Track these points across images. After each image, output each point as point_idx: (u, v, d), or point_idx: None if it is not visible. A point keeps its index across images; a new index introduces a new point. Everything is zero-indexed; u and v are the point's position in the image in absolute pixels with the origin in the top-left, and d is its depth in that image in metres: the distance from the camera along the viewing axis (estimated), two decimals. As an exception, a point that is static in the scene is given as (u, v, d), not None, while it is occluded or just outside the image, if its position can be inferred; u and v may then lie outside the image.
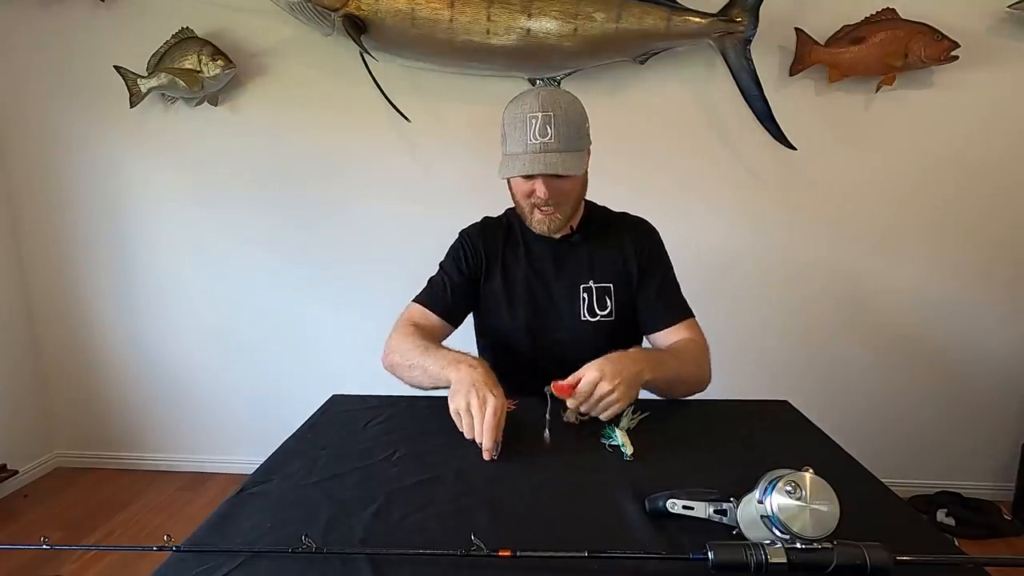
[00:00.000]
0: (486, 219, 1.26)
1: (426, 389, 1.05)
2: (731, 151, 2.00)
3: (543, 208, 1.07)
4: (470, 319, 1.26)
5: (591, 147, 1.11)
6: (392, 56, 1.97)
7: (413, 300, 1.18)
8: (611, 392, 0.89)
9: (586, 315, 1.13)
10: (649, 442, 0.87)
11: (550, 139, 1.00)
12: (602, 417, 0.91)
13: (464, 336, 1.29)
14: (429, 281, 1.21)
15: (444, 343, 1.11)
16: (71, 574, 1.76)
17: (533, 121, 1.01)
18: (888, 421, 2.11)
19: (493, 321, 1.21)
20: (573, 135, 1.03)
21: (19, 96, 2.19)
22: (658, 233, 1.22)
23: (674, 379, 1.04)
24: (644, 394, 1.25)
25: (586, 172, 1.10)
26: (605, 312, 1.14)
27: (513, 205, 1.23)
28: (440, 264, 1.22)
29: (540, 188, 1.04)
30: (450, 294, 1.17)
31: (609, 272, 1.15)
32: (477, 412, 0.85)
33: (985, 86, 1.87)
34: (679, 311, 1.15)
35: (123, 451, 2.45)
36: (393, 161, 2.10)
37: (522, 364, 1.18)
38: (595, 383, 0.89)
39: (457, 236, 1.24)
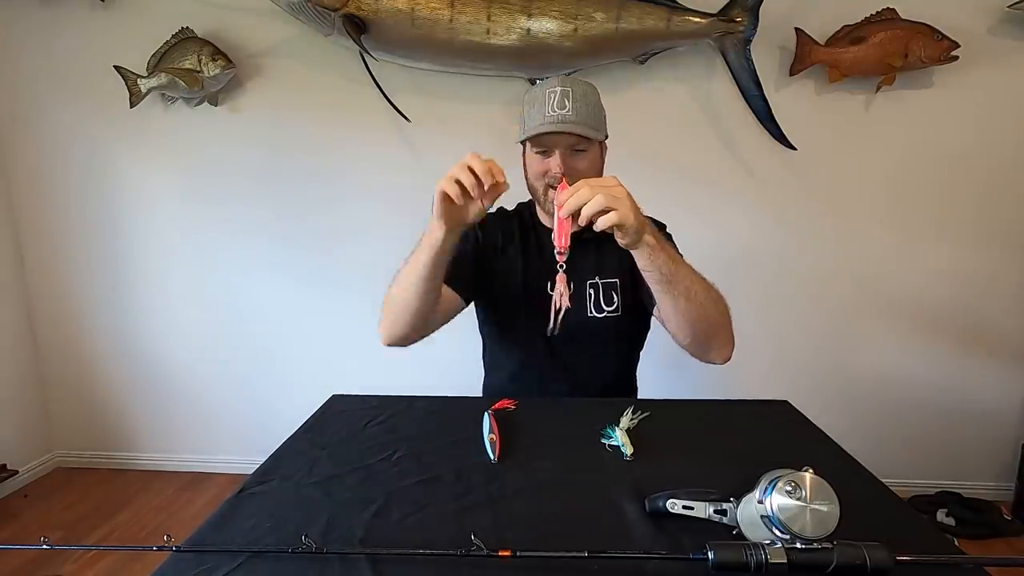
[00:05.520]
0: (501, 209, 1.24)
1: (430, 276, 0.95)
2: (731, 151, 2.00)
3: (558, 186, 1.05)
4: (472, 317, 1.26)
5: (606, 141, 1.09)
6: (392, 56, 1.97)
7: None
8: (616, 188, 0.84)
9: (593, 311, 1.13)
10: (649, 442, 0.87)
11: (568, 111, 0.99)
12: (600, 221, 0.82)
13: (466, 332, 1.29)
14: None
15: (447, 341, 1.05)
16: (71, 574, 1.76)
17: (552, 96, 1.00)
18: (888, 421, 2.11)
19: (500, 314, 1.20)
20: (591, 115, 1.02)
21: (19, 96, 2.19)
22: (664, 227, 1.19)
23: (679, 273, 0.92)
24: (643, 393, 1.26)
25: (602, 167, 1.09)
26: (611, 308, 1.13)
27: (523, 201, 1.23)
28: None
29: (555, 163, 1.02)
30: (463, 262, 1.08)
31: (615, 267, 1.14)
32: (463, 166, 0.83)
33: (985, 86, 1.87)
34: None
35: (123, 451, 2.45)
36: (393, 161, 2.10)
37: (527, 360, 1.19)
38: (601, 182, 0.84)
39: None
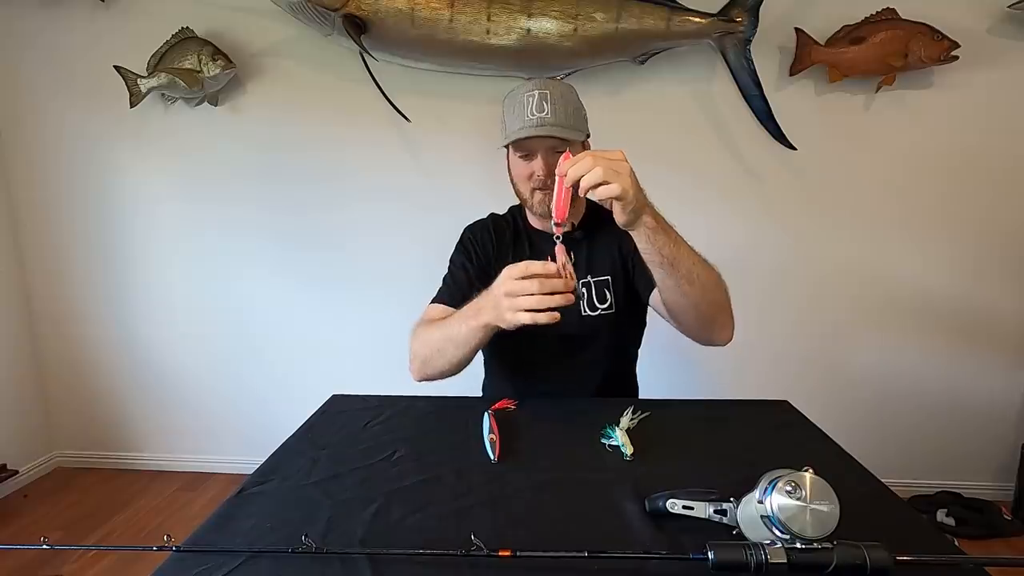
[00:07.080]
0: (492, 215, 1.24)
1: (469, 356, 0.98)
2: (731, 151, 2.00)
3: (544, 189, 1.06)
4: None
5: (590, 139, 1.10)
6: (392, 56, 1.97)
7: (431, 302, 1.14)
8: (620, 162, 0.81)
9: (587, 310, 1.13)
10: (649, 442, 0.87)
11: (547, 114, 1.00)
12: (599, 191, 0.80)
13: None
14: (444, 279, 1.18)
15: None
16: (71, 574, 1.76)
17: (530, 99, 1.01)
18: (888, 421, 2.11)
19: None
20: (571, 115, 1.02)
21: (19, 96, 2.19)
22: None
23: (680, 255, 0.90)
24: (643, 393, 1.26)
25: None
26: (605, 305, 1.13)
27: (514, 204, 1.24)
28: (451, 259, 1.20)
29: (539, 165, 1.03)
30: (468, 285, 1.11)
31: (606, 264, 1.14)
32: (526, 275, 0.81)
33: (985, 86, 1.87)
34: None
35: (123, 451, 2.45)
36: (393, 161, 2.10)
37: (525, 363, 1.18)
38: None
39: (464, 231, 1.22)
